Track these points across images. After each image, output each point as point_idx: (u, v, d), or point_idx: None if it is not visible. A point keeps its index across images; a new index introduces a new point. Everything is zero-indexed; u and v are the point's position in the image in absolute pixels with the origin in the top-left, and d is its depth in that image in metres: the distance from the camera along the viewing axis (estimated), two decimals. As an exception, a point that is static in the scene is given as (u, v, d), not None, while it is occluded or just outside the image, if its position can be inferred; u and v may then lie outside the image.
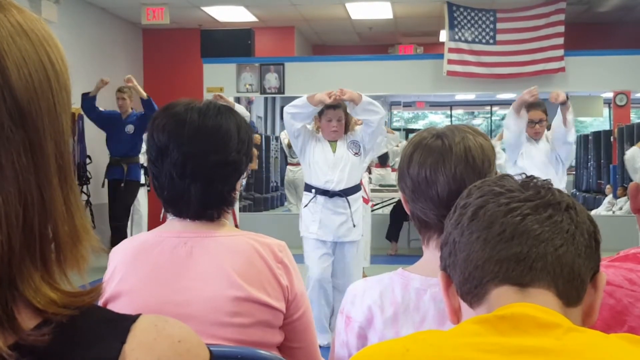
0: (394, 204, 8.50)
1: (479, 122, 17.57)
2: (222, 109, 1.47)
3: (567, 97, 4.46)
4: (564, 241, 0.81)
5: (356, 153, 4.18)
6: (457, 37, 8.88)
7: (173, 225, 1.46)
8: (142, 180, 7.39)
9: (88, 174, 7.41)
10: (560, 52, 8.73)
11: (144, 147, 7.21)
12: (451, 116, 16.92)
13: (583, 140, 13.77)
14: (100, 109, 7.01)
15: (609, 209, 9.80)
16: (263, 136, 10.99)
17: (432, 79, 9.10)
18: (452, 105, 16.47)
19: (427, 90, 9.93)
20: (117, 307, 1.38)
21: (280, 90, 9.22)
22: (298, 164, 7.83)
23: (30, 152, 0.59)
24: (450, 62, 8.81)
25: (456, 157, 1.25)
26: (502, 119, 18.43)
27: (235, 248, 1.41)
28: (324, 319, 4.11)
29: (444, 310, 0.93)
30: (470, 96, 13.98)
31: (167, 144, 1.41)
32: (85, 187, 7.29)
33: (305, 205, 4.18)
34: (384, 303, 1.26)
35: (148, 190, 7.48)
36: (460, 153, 1.26)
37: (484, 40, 8.88)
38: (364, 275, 4.50)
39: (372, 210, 7.57)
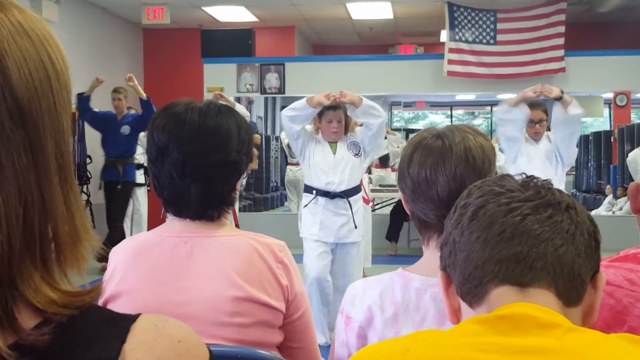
0: (394, 204, 8.50)
1: (479, 123, 17.57)
2: (222, 108, 1.47)
3: (562, 92, 4.40)
4: (564, 241, 0.81)
5: (356, 154, 4.18)
6: (457, 37, 8.88)
7: (173, 225, 1.46)
8: (142, 180, 7.39)
9: (88, 173, 7.39)
10: (560, 53, 8.73)
11: (139, 148, 7.21)
12: (451, 116, 16.92)
13: (583, 141, 13.76)
14: (95, 109, 6.95)
15: (609, 209, 9.80)
16: (263, 136, 11.00)
17: (433, 79, 9.10)
18: (452, 105, 16.47)
19: (427, 90, 9.93)
20: (117, 306, 1.38)
21: (281, 90, 9.22)
22: (298, 163, 7.83)
23: (31, 151, 0.59)
24: (450, 62, 8.81)
25: (456, 157, 1.25)
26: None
27: (235, 248, 1.41)
28: (323, 318, 4.10)
29: (444, 310, 0.93)
30: (470, 96, 13.98)
31: (167, 144, 1.41)
32: (85, 187, 7.28)
33: (305, 206, 4.17)
34: (384, 303, 1.26)
35: (148, 190, 7.48)
36: (461, 153, 1.26)
37: (484, 41, 8.88)
38: (364, 276, 4.49)
39: (373, 211, 7.58)
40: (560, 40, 8.73)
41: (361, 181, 4.48)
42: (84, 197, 7.18)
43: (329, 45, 12.03)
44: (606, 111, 13.08)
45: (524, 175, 0.89)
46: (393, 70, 9.13)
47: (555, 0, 8.86)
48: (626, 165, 9.62)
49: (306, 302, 1.50)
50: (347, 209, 4.13)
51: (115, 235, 6.61)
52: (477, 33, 8.88)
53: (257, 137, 8.95)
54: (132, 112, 7.20)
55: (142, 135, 6.75)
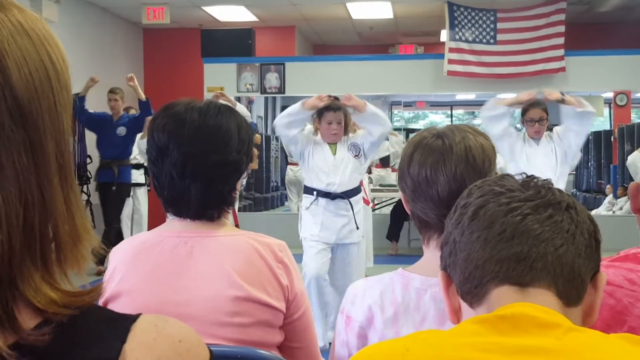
0: (394, 203, 8.50)
1: (480, 122, 17.56)
2: (222, 108, 1.47)
3: (563, 94, 4.40)
4: (564, 241, 0.81)
5: (356, 155, 4.17)
6: (457, 36, 8.88)
7: (173, 225, 1.46)
8: (143, 180, 7.39)
9: (88, 173, 7.38)
10: (560, 52, 8.73)
11: (135, 149, 7.19)
12: (452, 116, 16.91)
13: (583, 140, 13.73)
14: (90, 110, 6.89)
15: (609, 209, 9.80)
16: (263, 136, 10.99)
17: (433, 79, 9.10)
18: (452, 105, 16.45)
19: (427, 90, 9.94)
20: (117, 306, 1.38)
21: (281, 90, 9.23)
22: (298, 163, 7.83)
23: (31, 151, 0.59)
24: (450, 62, 8.82)
25: (457, 157, 1.25)
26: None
27: (236, 248, 1.41)
28: (322, 320, 4.10)
29: (444, 310, 0.93)
30: (470, 96, 13.96)
31: (167, 144, 1.41)
32: (85, 187, 7.28)
33: (307, 208, 4.16)
34: (384, 303, 1.26)
35: (148, 190, 7.47)
36: (461, 153, 1.26)
37: (484, 40, 8.88)
38: (366, 276, 4.47)
39: (373, 211, 7.57)
40: (560, 40, 8.74)
41: (361, 182, 4.47)
42: (84, 197, 7.17)
43: (329, 45, 12.03)
44: (606, 111, 13.07)
45: (524, 175, 0.89)
46: (393, 70, 9.13)
47: (555, 0, 8.86)
48: (626, 165, 9.62)
49: (306, 302, 1.50)
50: (348, 209, 4.13)
51: (110, 236, 6.59)
52: (477, 33, 8.88)
53: (257, 137, 8.95)
54: (132, 112, 7.18)
55: (139, 137, 6.72)
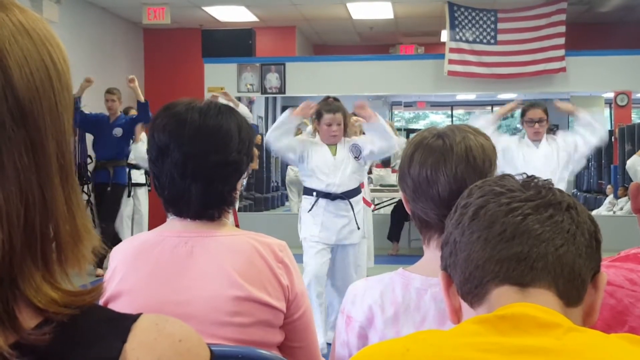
0: (395, 204, 8.50)
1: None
2: (222, 108, 1.47)
3: (576, 109, 4.36)
4: (564, 241, 0.81)
5: (357, 157, 4.16)
6: (458, 37, 8.88)
7: (174, 224, 1.46)
8: (143, 180, 7.38)
9: (88, 174, 7.38)
10: (561, 52, 8.73)
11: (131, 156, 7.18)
12: (452, 116, 16.91)
13: (584, 141, 13.73)
14: (86, 112, 6.84)
15: (609, 209, 9.79)
16: (264, 136, 11.00)
17: (433, 79, 9.10)
18: (453, 105, 16.45)
19: (428, 90, 9.94)
20: (117, 306, 1.38)
21: (281, 90, 9.23)
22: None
23: (32, 151, 0.59)
24: (451, 62, 8.82)
25: (457, 157, 1.25)
26: (503, 119, 18.41)
27: (236, 248, 1.41)
28: (321, 318, 4.09)
29: (445, 310, 0.93)
30: (471, 96, 13.97)
31: (168, 144, 1.41)
32: (85, 187, 7.27)
33: (309, 210, 4.13)
34: (385, 303, 1.26)
35: (149, 190, 7.47)
36: (461, 153, 1.26)
37: (484, 40, 8.88)
38: (366, 276, 4.46)
39: (373, 211, 7.57)
40: (561, 40, 8.73)
41: (362, 184, 4.46)
42: (85, 197, 7.17)
43: (329, 45, 12.03)
44: (607, 111, 13.08)
45: (524, 175, 0.89)
46: (394, 70, 9.13)
47: (555, 0, 8.86)
48: (626, 169, 9.62)
49: (307, 301, 1.50)
50: (348, 210, 4.11)
51: (106, 237, 6.58)
52: (477, 33, 8.88)
53: (257, 137, 8.95)
54: (133, 112, 7.16)
55: (132, 143, 6.70)
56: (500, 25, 8.88)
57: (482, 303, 0.83)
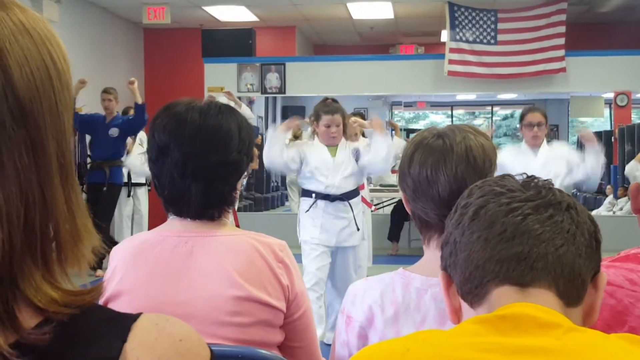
0: (395, 204, 8.50)
1: (480, 122, 17.55)
2: (222, 108, 1.47)
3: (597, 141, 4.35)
4: (564, 241, 0.81)
5: (356, 160, 4.12)
6: (458, 37, 8.88)
7: (174, 224, 1.46)
8: (143, 179, 7.38)
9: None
10: (561, 53, 8.74)
11: (140, 148, 7.17)
12: (452, 116, 16.91)
13: (584, 141, 13.71)
14: (81, 112, 6.80)
15: (609, 209, 9.79)
16: (264, 136, 10.99)
17: (433, 79, 9.10)
18: (453, 105, 16.45)
19: (428, 90, 9.94)
20: (117, 306, 1.38)
21: (281, 90, 9.23)
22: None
23: (32, 151, 0.59)
24: (451, 62, 8.82)
25: (457, 157, 1.25)
26: (503, 119, 18.43)
27: (236, 247, 1.41)
28: (320, 319, 4.07)
29: (445, 310, 0.93)
30: (471, 96, 13.97)
31: (168, 144, 1.41)
32: (85, 186, 7.26)
33: (307, 211, 4.09)
34: (385, 303, 1.26)
35: (149, 190, 7.47)
36: (462, 153, 1.26)
37: (485, 41, 8.89)
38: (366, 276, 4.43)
39: (373, 212, 7.57)
40: (561, 40, 8.74)
41: (362, 185, 4.44)
42: (84, 196, 7.17)
43: (329, 45, 12.03)
44: (607, 111, 13.07)
45: (524, 175, 0.89)
46: (394, 70, 9.14)
47: (555, 0, 8.86)
48: (625, 174, 9.60)
49: (307, 301, 1.50)
50: (347, 211, 4.07)
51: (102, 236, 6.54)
52: (477, 33, 8.88)
53: (257, 137, 8.95)
54: (132, 112, 7.15)
55: (125, 157, 6.72)
56: (500, 26, 8.88)
57: (482, 303, 0.83)
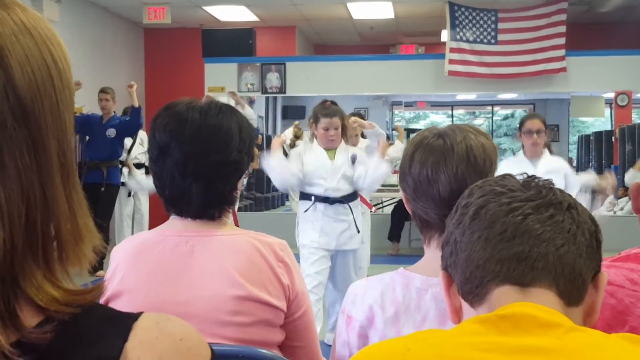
0: (395, 204, 8.50)
1: (480, 122, 17.55)
2: (223, 108, 1.47)
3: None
4: (565, 241, 0.81)
5: (353, 163, 4.07)
6: (458, 37, 8.88)
7: (174, 224, 1.46)
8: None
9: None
10: (561, 52, 8.74)
11: (140, 148, 7.18)
12: (452, 116, 16.91)
13: (584, 141, 13.75)
14: (76, 114, 6.85)
15: (610, 209, 9.79)
16: (264, 136, 10.99)
17: (434, 79, 9.10)
18: (453, 105, 16.45)
19: (428, 90, 9.94)
20: (118, 305, 1.37)
21: (282, 89, 9.23)
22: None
23: (33, 150, 0.59)
24: (451, 62, 8.82)
25: (458, 157, 1.25)
26: (504, 119, 18.43)
27: (237, 247, 1.41)
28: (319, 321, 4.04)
29: (445, 309, 0.93)
30: (471, 96, 13.97)
31: (169, 143, 1.41)
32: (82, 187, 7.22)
33: (305, 211, 4.04)
34: (385, 302, 1.26)
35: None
36: (462, 152, 1.26)
37: (485, 40, 8.88)
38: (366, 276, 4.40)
39: (372, 212, 7.57)
40: (561, 40, 8.74)
41: None
42: (85, 195, 7.13)
43: (329, 45, 12.03)
44: (607, 111, 13.08)
45: (525, 175, 0.89)
46: (394, 70, 9.13)
47: (556, 0, 8.86)
48: (627, 166, 9.60)
49: (307, 301, 1.50)
50: (347, 214, 4.02)
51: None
52: (478, 33, 8.88)
53: (258, 136, 8.95)
54: (118, 115, 7.11)
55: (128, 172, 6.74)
56: (500, 25, 8.88)
57: (483, 303, 0.83)
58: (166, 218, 1.51)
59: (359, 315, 1.29)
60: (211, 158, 1.41)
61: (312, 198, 4.01)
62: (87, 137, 6.89)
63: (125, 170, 7.23)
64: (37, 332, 0.58)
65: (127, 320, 0.63)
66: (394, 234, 8.22)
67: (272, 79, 9.14)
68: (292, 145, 5.85)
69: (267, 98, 12.27)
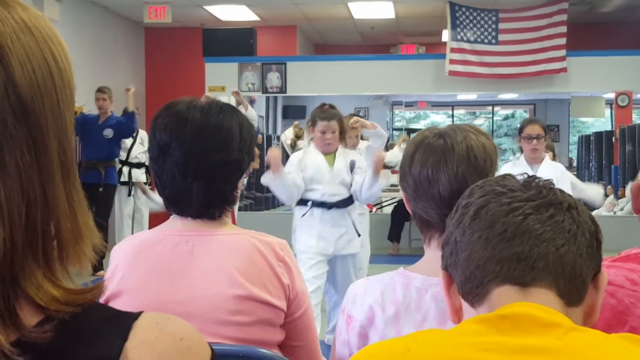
0: (395, 204, 8.50)
1: (481, 122, 17.55)
2: (224, 107, 1.47)
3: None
4: (565, 241, 0.81)
5: (351, 169, 4.04)
6: (459, 37, 8.88)
7: (174, 223, 1.46)
8: (144, 179, 7.38)
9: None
10: (562, 53, 8.74)
11: (140, 147, 7.17)
12: (453, 116, 16.91)
13: (585, 141, 13.75)
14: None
15: (610, 210, 9.79)
16: (265, 135, 11.00)
17: (434, 79, 9.11)
18: (453, 105, 16.45)
19: (429, 90, 9.94)
20: (118, 305, 1.38)
21: (282, 89, 9.23)
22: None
23: (34, 149, 0.59)
24: (452, 62, 8.82)
25: (458, 156, 1.25)
26: (504, 119, 18.43)
27: (237, 246, 1.41)
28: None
29: (445, 309, 0.93)
30: (472, 96, 13.97)
31: (169, 143, 1.41)
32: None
33: (303, 216, 3.99)
34: (385, 302, 1.26)
35: (149, 189, 7.46)
36: (462, 152, 1.26)
37: (486, 40, 8.89)
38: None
39: (372, 212, 7.56)
40: (562, 40, 8.74)
41: None
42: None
43: (330, 44, 12.03)
44: (608, 111, 13.08)
45: (525, 175, 0.89)
46: (394, 70, 9.14)
47: (557, 0, 8.86)
48: (627, 166, 9.60)
49: (307, 300, 1.50)
50: (345, 218, 3.97)
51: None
52: (478, 33, 8.88)
53: (258, 136, 8.95)
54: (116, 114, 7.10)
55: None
56: (501, 25, 8.88)
57: (483, 303, 0.83)
58: (166, 217, 1.51)
59: (359, 315, 1.29)
60: (212, 157, 1.41)
61: (309, 203, 3.96)
62: (83, 138, 6.87)
63: (125, 169, 7.23)
64: (37, 331, 0.58)
65: (127, 320, 0.63)
66: (394, 234, 8.22)
67: (273, 78, 9.15)
68: (294, 146, 5.84)
69: (267, 98, 12.28)
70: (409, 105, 15.54)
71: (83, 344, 0.60)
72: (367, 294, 1.29)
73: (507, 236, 0.82)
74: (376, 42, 11.60)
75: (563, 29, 8.76)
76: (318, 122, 3.92)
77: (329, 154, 3.99)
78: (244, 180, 1.55)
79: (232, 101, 6.96)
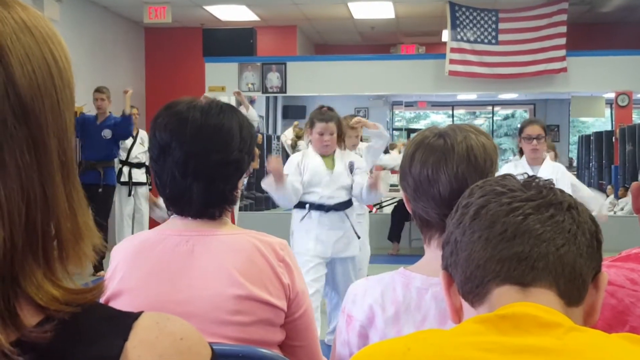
0: (395, 204, 8.50)
1: (481, 122, 17.55)
2: (224, 107, 1.47)
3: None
4: (565, 241, 0.81)
5: (350, 171, 4.02)
6: (459, 37, 8.88)
7: (175, 223, 1.46)
8: (144, 179, 7.38)
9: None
10: (562, 53, 8.73)
11: (140, 147, 7.17)
12: (453, 116, 16.91)
13: (585, 141, 13.76)
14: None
15: (610, 210, 9.79)
16: (265, 135, 11.00)
17: (434, 79, 9.10)
18: (453, 105, 16.45)
19: (429, 90, 9.94)
20: (118, 305, 1.38)
21: (282, 89, 9.23)
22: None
23: (34, 149, 0.59)
24: (452, 62, 8.82)
25: (458, 156, 1.25)
26: (504, 119, 18.44)
27: (237, 246, 1.41)
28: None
29: (445, 309, 0.93)
30: (472, 96, 13.98)
31: (169, 143, 1.41)
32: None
33: (301, 220, 3.97)
34: (385, 302, 1.26)
35: (149, 189, 7.46)
36: (463, 152, 1.26)
37: (486, 40, 8.88)
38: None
39: (372, 212, 7.56)
40: (562, 40, 8.74)
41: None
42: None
43: (330, 44, 12.03)
44: (608, 111, 13.08)
45: (525, 175, 0.89)
46: (394, 70, 9.13)
47: (556, 0, 8.86)
48: (627, 166, 9.60)
49: (307, 300, 1.50)
50: (343, 221, 3.95)
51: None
52: (478, 33, 8.88)
53: (258, 136, 8.94)
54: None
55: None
56: (501, 25, 8.88)
57: (483, 302, 0.83)
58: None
59: (359, 315, 1.29)
60: (212, 157, 1.41)
61: (307, 206, 3.94)
62: (81, 139, 6.87)
63: (125, 169, 7.23)
64: (37, 331, 0.58)
65: (127, 320, 0.63)
66: (394, 234, 8.22)
67: (273, 78, 9.15)
68: (294, 146, 5.84)
69: (267, 98, 12.28)
70: (409, 105, 15.54)
71: (83, 344, 0.60)
72: (367, 293, 1.29)
73: (507, 236, 0.82)
74: (376, 42, 11.60)
75: (563, 29, 8.75)
76: (316, 123, 3.91)
77: (327, 156, 3.97)
78: (244, 180, 1.55)
79: (233, 101, 6.96)
